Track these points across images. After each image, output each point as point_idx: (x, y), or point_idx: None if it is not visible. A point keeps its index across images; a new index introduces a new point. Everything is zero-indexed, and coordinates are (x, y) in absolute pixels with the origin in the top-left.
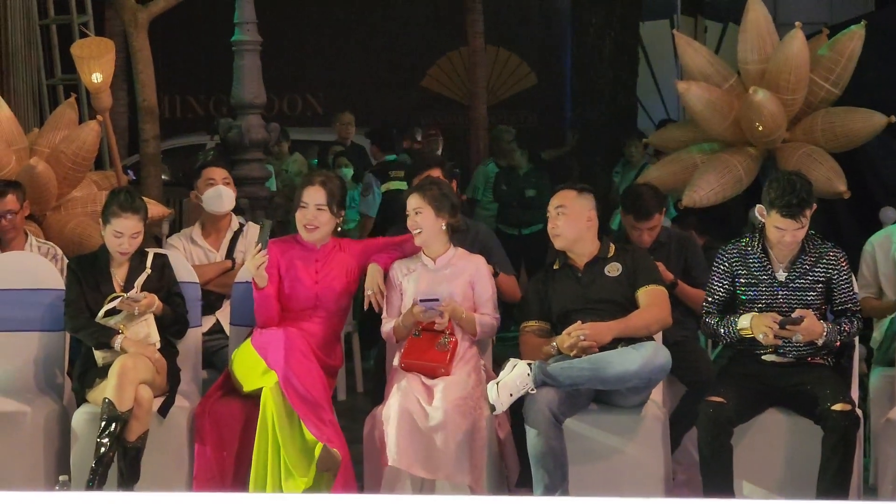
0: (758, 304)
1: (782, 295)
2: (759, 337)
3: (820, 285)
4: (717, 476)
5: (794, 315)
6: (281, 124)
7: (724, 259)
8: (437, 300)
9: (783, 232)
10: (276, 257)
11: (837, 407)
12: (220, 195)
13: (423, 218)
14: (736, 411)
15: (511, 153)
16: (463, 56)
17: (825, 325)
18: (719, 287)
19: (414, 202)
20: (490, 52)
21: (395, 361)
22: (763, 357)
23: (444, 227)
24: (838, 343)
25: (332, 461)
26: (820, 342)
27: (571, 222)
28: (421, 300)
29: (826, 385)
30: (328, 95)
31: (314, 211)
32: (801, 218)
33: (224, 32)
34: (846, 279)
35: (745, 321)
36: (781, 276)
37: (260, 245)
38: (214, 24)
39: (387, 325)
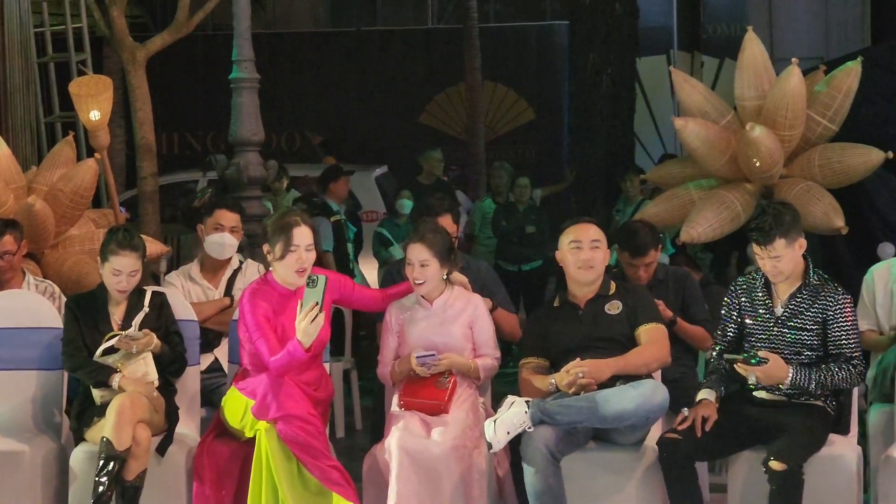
0: (756, 338)
1: (779, 331)
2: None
3: (817, 326)
4: None
5: (760, 354)
6: (279, 161)
7: (734, 292)
8: (433, 354)
9: (762, 260)
10: (266, 308)
11: (773, 464)
12: (223, 243)
13: (430, 270)
14: (697, 446)
15: (514, 190)
16: (461, 92)
17: (791, 369)
18: (728, 319)
19: (421, 254)
20: (488, 88)
21: (395, 401)
22: (754, 394)
23: (444, 276)
24: (819, 392)
25: None
26: (783, 386)
27: (604, 256)
28: (418, 357)
29: (790, 434)
30: (326, 132)
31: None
32: (770, 244)
33: (222, 70)
34: (843, 321)
35: (701, 395)
36: (779, 311)
37: (316, 303)
38: (212, 61)
39: (383, 368)
